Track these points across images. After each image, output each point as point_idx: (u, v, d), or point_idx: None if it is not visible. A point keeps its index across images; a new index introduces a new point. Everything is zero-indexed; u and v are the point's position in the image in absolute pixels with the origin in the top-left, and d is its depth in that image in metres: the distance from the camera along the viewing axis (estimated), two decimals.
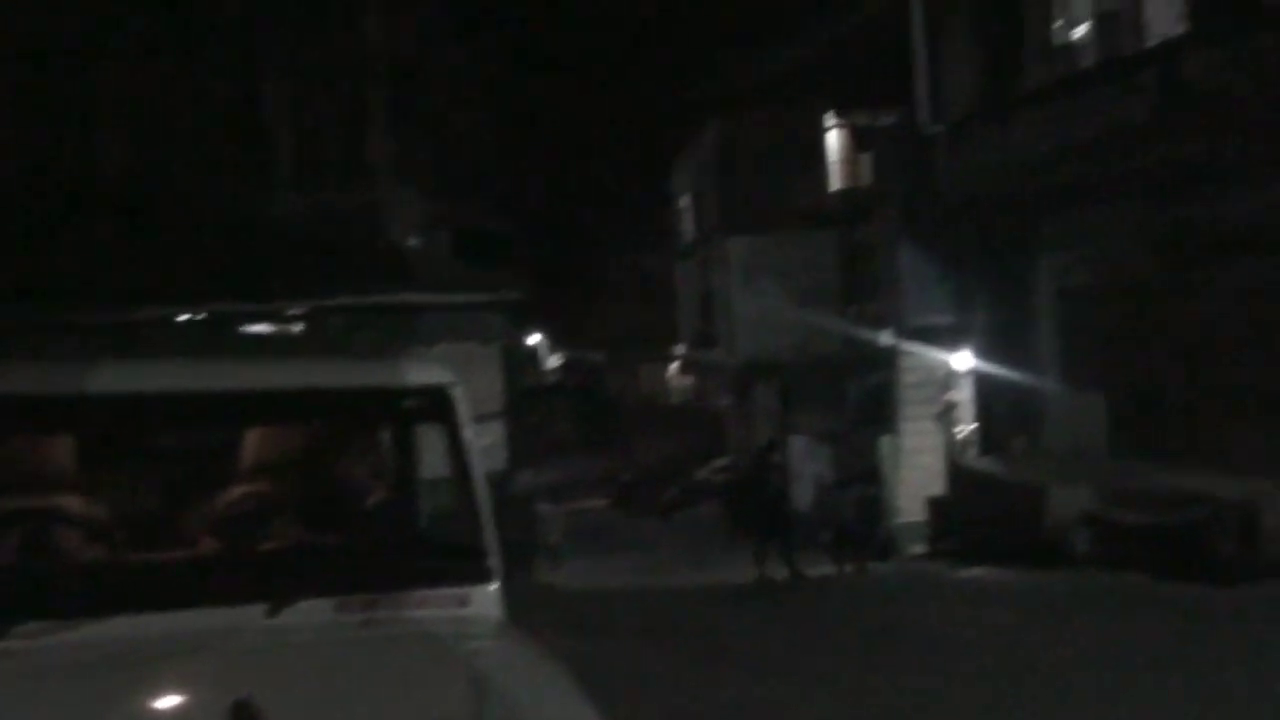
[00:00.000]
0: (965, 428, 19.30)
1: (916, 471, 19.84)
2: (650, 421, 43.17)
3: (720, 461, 33.00)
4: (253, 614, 3.45)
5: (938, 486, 18.84)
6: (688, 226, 36.14)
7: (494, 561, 3.89)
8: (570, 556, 21.94)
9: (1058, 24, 16.61)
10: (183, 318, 12.10)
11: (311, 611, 3.52)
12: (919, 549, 18.56)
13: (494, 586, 3.87)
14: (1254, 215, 12.88)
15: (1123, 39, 15.44)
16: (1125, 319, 15.21)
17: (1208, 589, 10.25)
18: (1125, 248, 15.14)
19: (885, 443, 20.58)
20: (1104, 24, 16.01)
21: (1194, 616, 9.64)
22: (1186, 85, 13.18)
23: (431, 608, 3.67)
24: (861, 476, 21.56)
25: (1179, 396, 13.66)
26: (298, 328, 13.02)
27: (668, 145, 35.77)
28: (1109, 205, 15.29)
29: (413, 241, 19.29)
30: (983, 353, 18.48)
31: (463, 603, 3.75)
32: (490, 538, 3.94)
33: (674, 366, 45.03)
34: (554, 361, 58.44)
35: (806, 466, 26.12)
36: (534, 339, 54.92)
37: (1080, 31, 16.41)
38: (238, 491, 4.42)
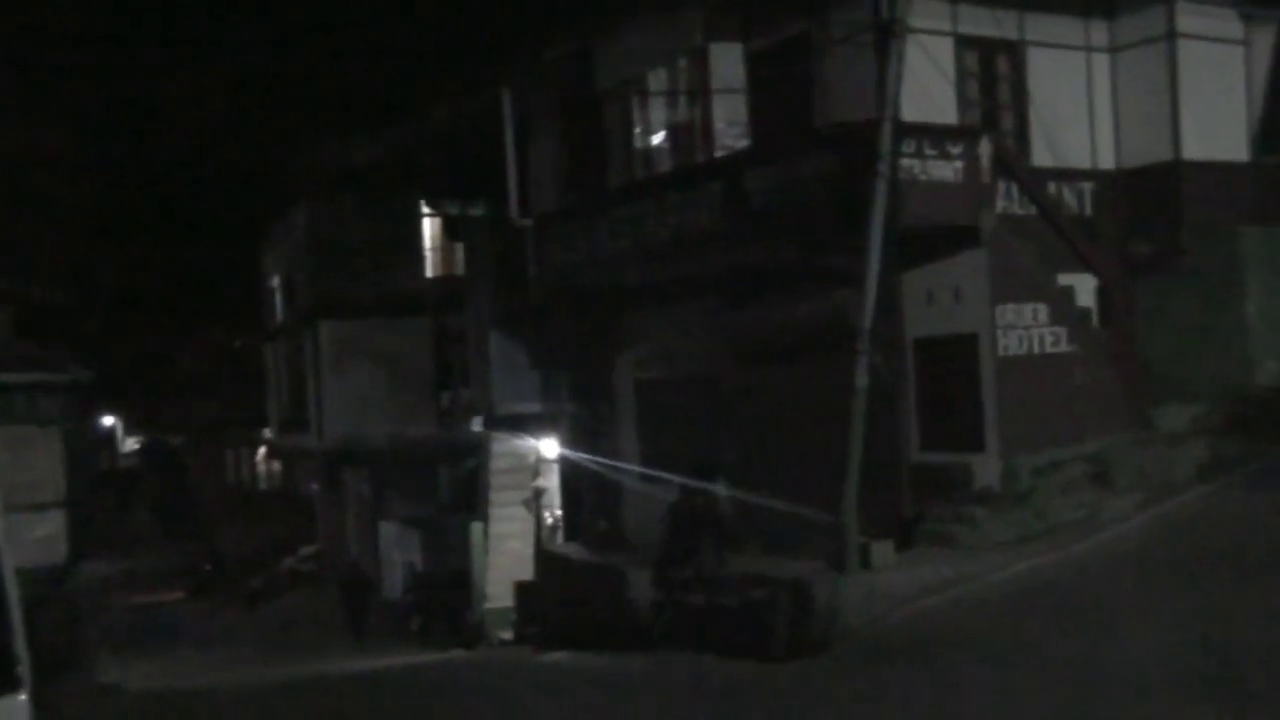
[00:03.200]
0: (553, 513, 19.77)
1: (506, 557, 20.07)
2: (236, 508, 41.35)
3: (308, 549, 32.03)
4: None
5: (526, 572, 19.12)
6: (279, 308, 35.10)
7: (22, 670, 3.56)
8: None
9: (637, 130, 17.64)
10: None
11: None
12: (506, 635, 18.69)
13: (22, 696, 3.54)
14: (809, 318, 14.14)
15: (694, 149, 16.63)
16: (695, 410, 16.17)
17: (768, 665, 10.96)
18: (695, 344, 16.15)
19: (475, 529, 20.69)
20: (678, 134, 17.19)
21: (746, 695, 10.36)
22: (747, 197, 14.33)
23: None
24: (451, 563, 21.55)
25: (743, 482, 14.59)
26: None
27: (259, 225, 34.69)
28: (681, 304, 16.31)
29: None
30: (569, 440, 19.05)
31: None
32: (19, 643, 3.61)
33: (262, 451, 43.29)
34: (132, 445, 54.68)
35: (397, 553, 25.81)
36: (108, 421, 51.29)
37: (657, 139, 17.52)
38: None
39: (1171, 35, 15.65)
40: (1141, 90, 15.85)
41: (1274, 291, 15.68)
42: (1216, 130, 15.93)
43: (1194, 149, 15.65)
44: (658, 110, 17.42)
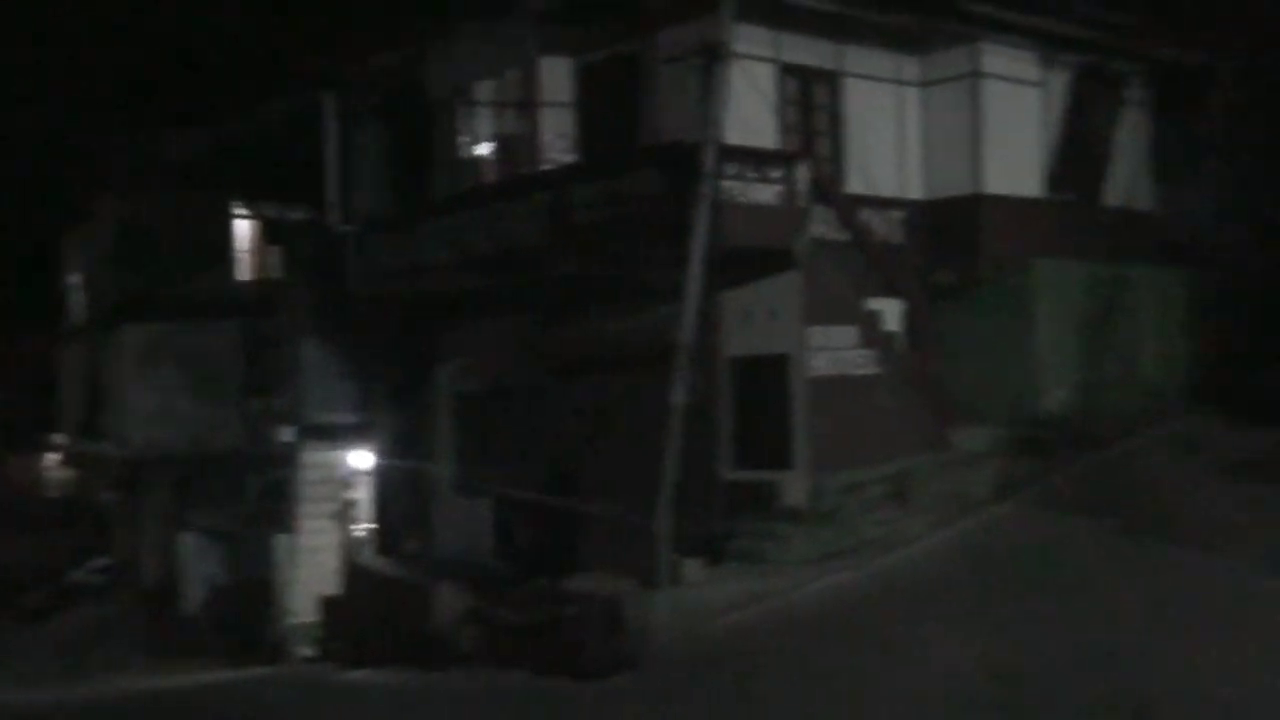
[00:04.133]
0: (363, 527, 19.38)
1: (312, 571, 19.55)
2: (19, 517, 39.12)
3: (100, 562, 30.54)
4: None
5: (334, 586, 18.69)
6: (78, 308, 33.46)
7: None
8: None
9: (464, 139, 17.53)
10: None
11: None
12: (309, 651, 18.22)
13: None
14: (630, 334, 14.27)
15: (521, 161, 16.61)
16: (514, 423, 16.12)
17: (578, 683, 10.98)
18: (517, 356, 16.11)
19: (281, 541, 20.11)
20: (505, 145, 17.15)
21: (553, 712, 10.37)
22: (572, 211, 14.40)
23: None
24: (254, 577, 20.89)
25: (557, 497, 14.61)
26: None
27: (58, 221, 32.96)
28: (504, 315, 16.25)
29: None
30: (383, 452, 18.73)
31: None
32: None
33: (53, 457, 41.12)
34: None
35: (198, 566, 24.90)
36: None
37: (484, 149, 17.44)
38: None
39: (976, 74, 16.41)
40: (948, 125, 16.57)
41: (1062, 322, 16.57)
42: (1015, 166, 16.76)
43: (994, 183, 16.42)
44: (486, 120, 17.35)
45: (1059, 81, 17.51)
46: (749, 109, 14.20)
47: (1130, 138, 18.75)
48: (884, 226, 16.11)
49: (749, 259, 13.81)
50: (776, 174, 13.86)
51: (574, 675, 11.10)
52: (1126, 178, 18.61)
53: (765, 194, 13.75)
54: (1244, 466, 14.87)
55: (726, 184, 13.30)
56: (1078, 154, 17.93)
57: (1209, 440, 16.22)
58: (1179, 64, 18.95)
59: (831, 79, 16.01)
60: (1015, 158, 16.79)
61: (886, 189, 16.21)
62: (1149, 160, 19.05)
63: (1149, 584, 10.99)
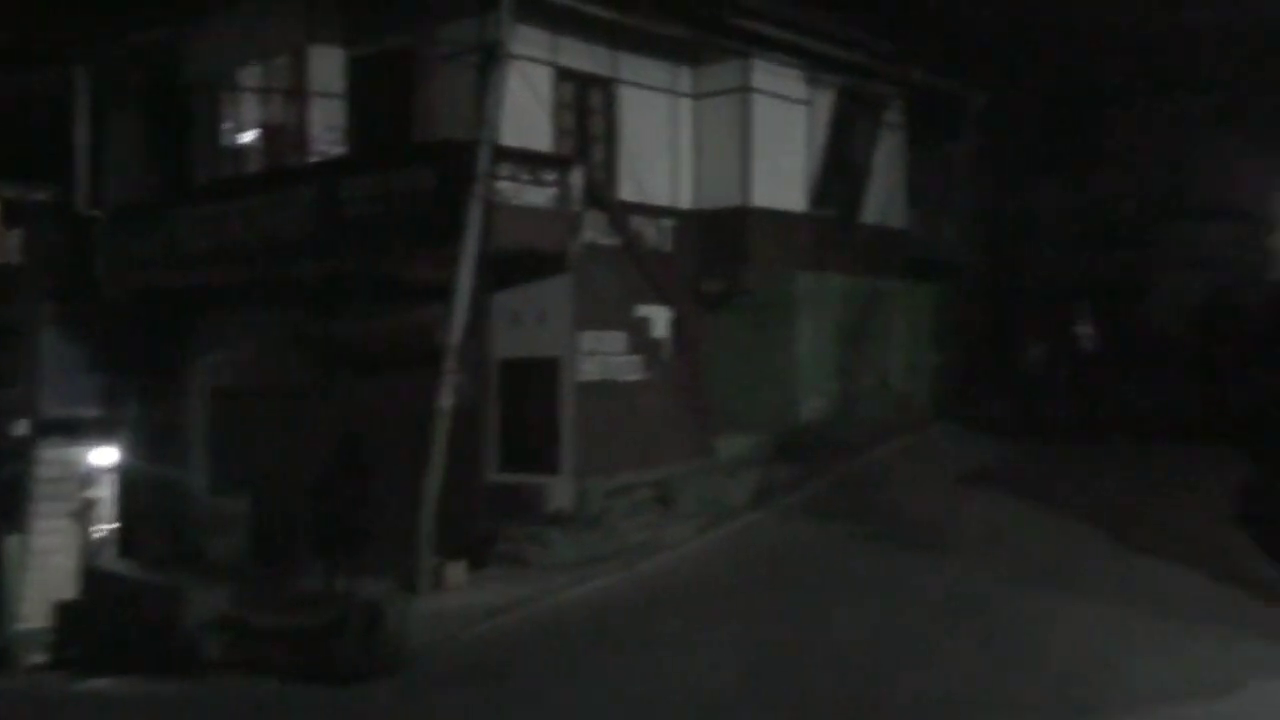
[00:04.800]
0: (105, 527, 18.36)
1: (47, 573, 18.37)
2: None
3: None
4: None
5: (71, 590, 17.61)
6: None
7: None
8: None
9: (227, 125, 16.82)
10: None
11: None
12: (40, 659, 17.11)
13: None
14: (397, 333, 13.99)
15: (287, 151, 16.05)
16: (274, 422, 15.56)
17: (333, 690, 10.67)
18: (279, 352, 15.56)
19: (13, 542, 18.83)
20: (271, 134, 16.54)
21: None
22: (341, 205, 14.02)
23: None
24: None
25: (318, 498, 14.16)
26: None
27: None
28: (267, 310, 15.67)
29: None
30: (131, 450, 17.79)
31: None
32: None
33: None
34: None
35: None
36: None
37: (249, 137, 16.78)
38: None
39: (746, 89, 16.83)
40: (719, 137, 16.93)
41: (821, 333, 17.19)
42: (781, 181, 17.27)
43: (761, 197, 16.88)
44: (251, 107, 16.70)
45: (824, 101, 18.15)
46: (525, 111, 14.15)
47: (887, 159, 19.61)
48: (655, 234, 16.33)
49: (521, 261, 13.77)
50: (551, 177, 13.86)
51: (329, 682, 10.79)
52: (883, 197, 19.46)
53: (539, 197, 13.73)
54: (981, 476, 15.78)
55: (500, 185, 13.23)
56: (839, 172, 18.64)
57: (951, 450, 17.14)
58: (934, 91, 19.94)
59: (607, 85, 16.14)
60: (781, 173, 17.30)
61: (658, 197, 16.44)
62: (904, 181, 19.97)
63: (890, 585, 11.50)
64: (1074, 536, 12.94)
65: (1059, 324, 17.53)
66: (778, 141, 17.20)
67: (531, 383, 14.02)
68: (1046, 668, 9.08)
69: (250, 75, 16.63)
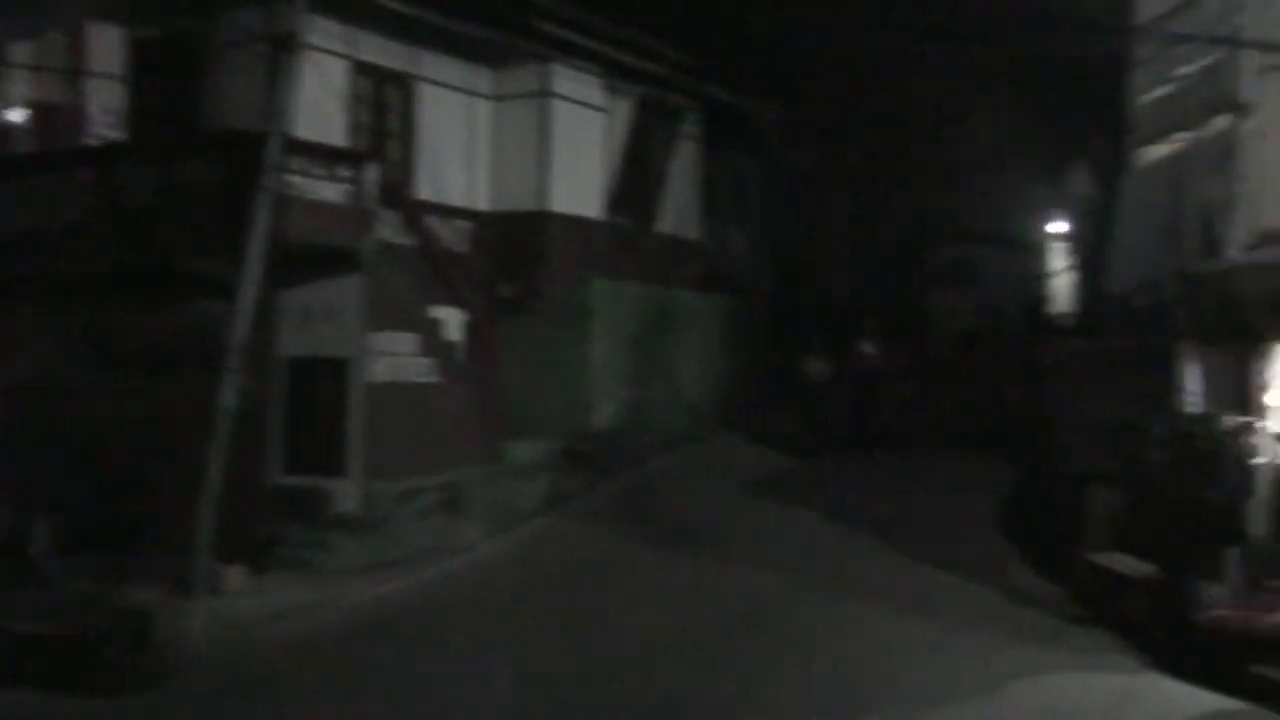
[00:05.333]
0: None
1: None
2: None
3: None
4: None
5: None
6: None
7: None
8: None
9: None
10: None
11: None
12: None
13: None
14: (178, 329, 13.40)
15: (61, 133, 15.22)
16: (45, 421, 14.67)
17: (98, 700, 10.14)
18: (47, 347, 14.70)
19: None
20: (43, 113, 15.65)
21: None
22: (119, 193, 13.35)
23: None
24: None
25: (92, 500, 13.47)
26: None
27: None
28: (34, 301, 14.76)
29: None
30: None
31: None
32: None
33: None
34: None
35: None
36: None
37: (17, 115, 15.83)
38: None
39: (546, 93, 16.88)
40: (518, 140, 16.93)
41: (615, 341, 17.36)
42: (578, 187, 17.39)
43: (559, 202, 16.95)
44: (21, 84, 15.74)
45: (623, 110, 18.34)
46: (319, 104, 13.81)
47: (684, 171, 19.96)
48: (450, 235, 16.18)
49: (312, 258, 13.41)
50: (345, 173, 13.57)
51: (92, 693, 10.24)
52: (678, 208, 19.80)
53: (332, 192, 13.41)
54: (766, 485, 16.24)
55: (291, 178, 12.83)
56: (636, 181, 18.88)
57: (738, 459, 17.57)
58: (729, 106, 20.41)
59: (405, 82, 15.91)
60: (579, 179, 17.41)
61: (455, 198, 16.32)
62: (699, 194, 20.36)
63: (676, 591, 11.72)
64: (852, 544, 13.45)
65: (844, 338, 18.20)
66: (576, 147, 17.30)
67: (320, 383, 13.67)
68: (823, 671, 9.40)
69: (20, 50, 15.70)
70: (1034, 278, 26.91)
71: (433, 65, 16.18)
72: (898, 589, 11.70)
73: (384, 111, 15.74)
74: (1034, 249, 27.17)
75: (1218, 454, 10.20)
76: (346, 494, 13.48)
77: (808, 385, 17.85)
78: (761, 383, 20.27)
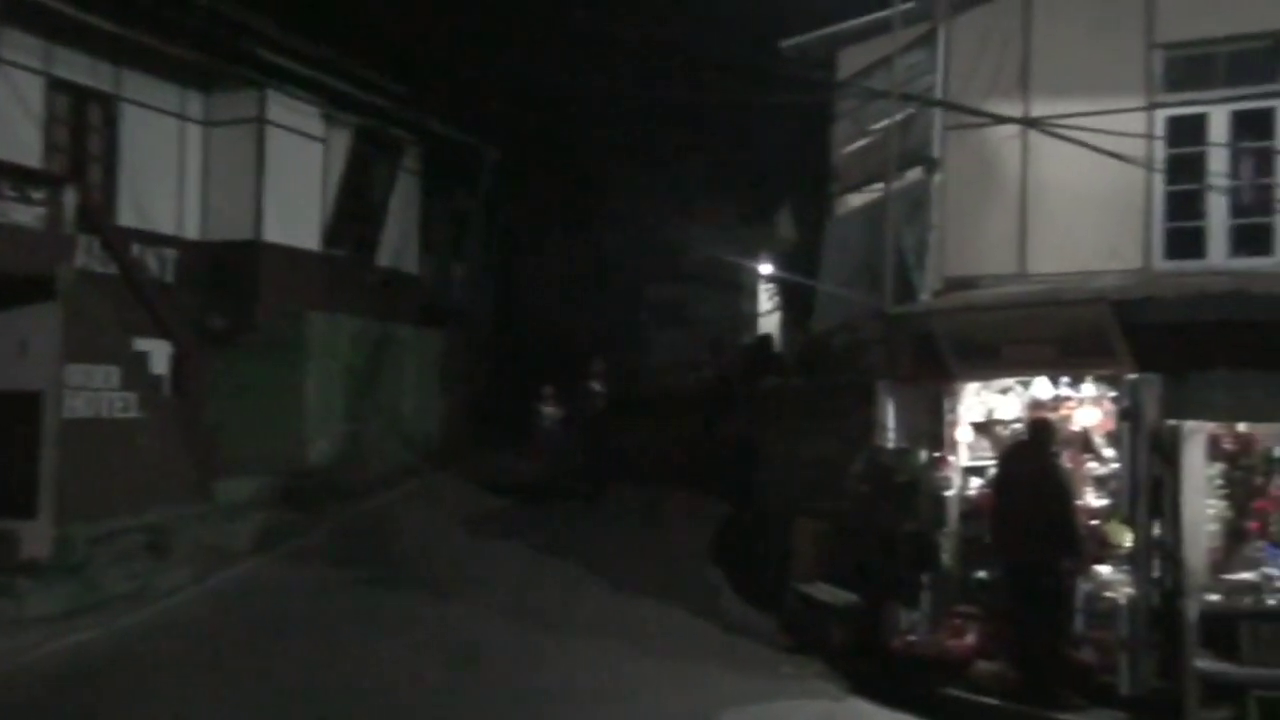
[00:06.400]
0: None
1: None
2: None
3: None
4: None
5: None
6: None
7: None
8: None
9: None
10: None
11: None
12: None
13: None
14: None
15: None
16: None
17: None
18: None
19: None
20: None
21: None
22: None
23: None
24: None
25: None
26: None
27: None
28: None
29: None
30: None
31: None
32: None
33: None
34: None
35: None
36: None
37: None
38: None
39: (261, 120, 16.39)
40: (231, 167, 16.36)
41: (330, 376, 16.97)
42: (294, 218, 16.94)
43: (273, 232, 16.46)
44: None
45: (341, 141, 18.01)
46: (12, 122, 12.94)
47: (403, 204, 19.77)
48: (156, 264, 15.46)
49: (2, 285, 12.49)
50: (40, 195, 12.73)
51: None
52: (397, 241, 19.59)
53: (25, 215, 12.56)
54: (485, 521, 16.18)
55: None
56: (354, 213, 18.57)
57: (457, 496, 17.44)
58: (450, 141, 20.39)
59: (108, 102, 15.11)
60: (295, 209, 16.96)
61: (163, 225, 15.60)
62: (419, 228, 20.21)
63: (393, 630, 11.49)
64: (570, 579, 13.56)
65: (572, 376, 18.38)
66: (292, 177, 16.88)
67: (8, 418, 12.71)
68: (538, 708, 9.41)
69: None
70: (747, 317, 28.13)
71: (139, 86, 15.44)
72: (615, 624, 11.87)
73: (84, 132, 14.88)
74: (747, 290, 28.44)
75: (913, 487, 10.88)
76: (37, 536, 12.55)
77: (536, 423, 17.93)
78: (486, 419, 20.24)
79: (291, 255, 16.77)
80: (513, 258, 24.20)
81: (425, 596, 12.68)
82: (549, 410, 17.76)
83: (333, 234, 17.87)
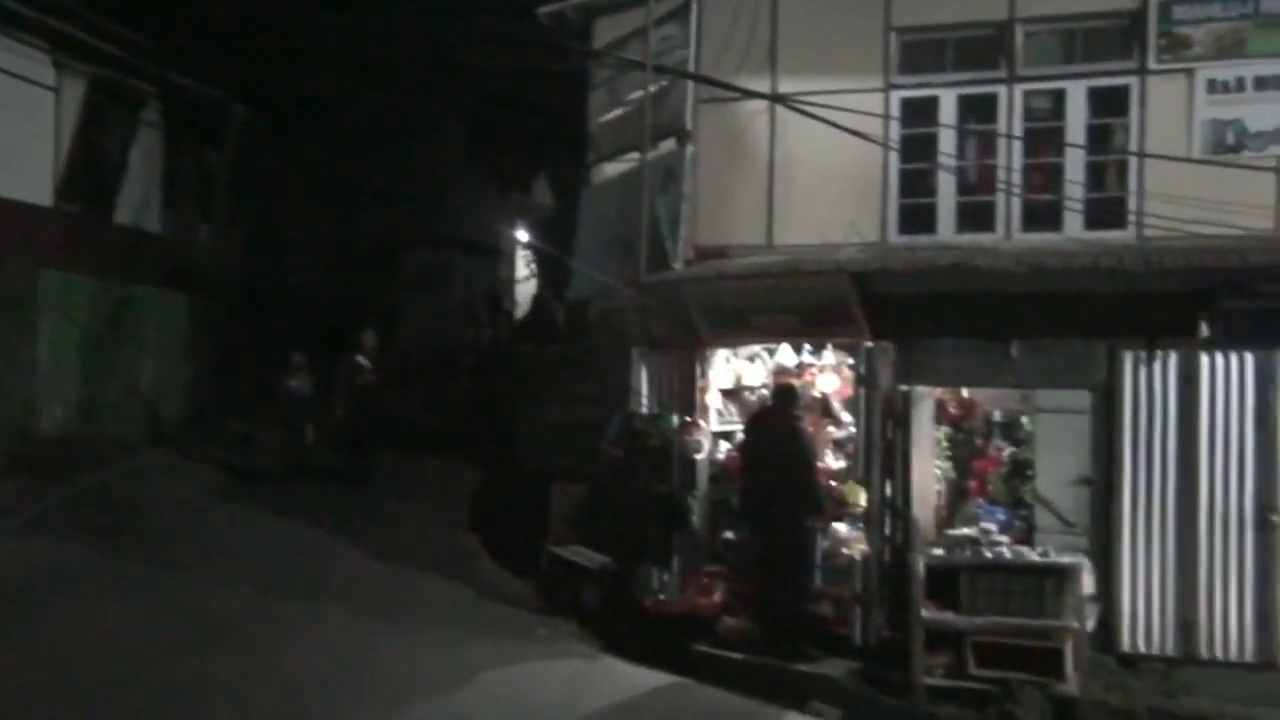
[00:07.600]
0: None
1: None
2: None
3: None
4: None
5: None
6: None
7: None
8: None
9: None
10: None
11: None
12: None
13: None
14: None
15: None
16: None
17: None
18: None
19: None
20: None
21: None
22: None
23: None
24: None
25: None
26: None
27: None
28: None
29: None
30: None
31: None
32: None
33: None
34: None
35: None
36: None
37: None
38: None
39: None
40: None
41: (66, 338, 16.06)
42: (23, 170, 15.93)
43: (1, 186, 15.43)
44: None
45: (75, 91, 16.99)
46: None
47: (144, 160, 18.83)
48: None
49: None
50: None
51: None
52: (139, 198, 18.67)
53: None
54: (233, 491, 15.70)
55: None
56: (90, 167, 17.59)
57: (203, 465, 16.83)
58: (195, 96, 19.52)
59: None
60: (23, 161, 15.95)
61: None
62: (161, 185, 19.30)
63: (136, 603, 11.03)
64: (324, 549, 13.32)
65: (326, 343, 17.82)
66: (20, 127, 15.85)
67: None
68: (297, 676, 9.26)
69: None
70: (504, 284, 28.10)
71: None
72: (372, 591, 11.76)
73: None
74: (504, 256, 28.40)
75: (665, 451, 11.20)
76: None
77: (280, 395, 17.27)
78: (232, 387, 19.54)
79: (19, 210, 15.73)
80: (268, 223, 23.38)
81: (170, 567, 12.21)
82: (294, 383, 17.14)
83: (65, 188, 16.86)
